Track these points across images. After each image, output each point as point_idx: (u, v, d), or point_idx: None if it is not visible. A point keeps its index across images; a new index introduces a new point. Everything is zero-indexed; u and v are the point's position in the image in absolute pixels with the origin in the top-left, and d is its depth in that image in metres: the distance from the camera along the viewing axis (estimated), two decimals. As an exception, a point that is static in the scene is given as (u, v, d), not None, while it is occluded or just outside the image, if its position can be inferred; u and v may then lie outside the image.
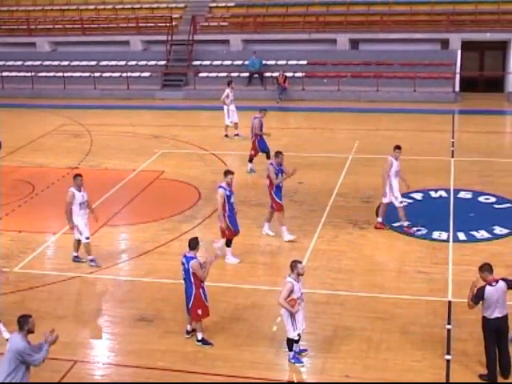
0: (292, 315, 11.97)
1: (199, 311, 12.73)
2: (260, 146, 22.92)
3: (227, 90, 26.73)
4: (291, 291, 11.91)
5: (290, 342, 12.24)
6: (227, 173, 16.09)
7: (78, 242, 16.33)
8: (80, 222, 16.01)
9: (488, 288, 11.28)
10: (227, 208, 15.94)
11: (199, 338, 12.91)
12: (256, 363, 12.33)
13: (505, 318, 11.42)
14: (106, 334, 13.74)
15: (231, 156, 24.82)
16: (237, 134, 26.83)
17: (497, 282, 11.35)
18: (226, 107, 26.72)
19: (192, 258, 12.60)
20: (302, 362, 12.28)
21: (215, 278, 15.55)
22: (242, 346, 12.84)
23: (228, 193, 15.92)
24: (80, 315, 14.27)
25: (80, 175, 16.13)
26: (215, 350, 12.75)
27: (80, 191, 15.99)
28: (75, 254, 16.49)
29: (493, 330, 11.39)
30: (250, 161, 22.93)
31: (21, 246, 17.72)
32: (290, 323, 12.04)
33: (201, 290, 12.75)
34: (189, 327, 13.21)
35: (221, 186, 15.99)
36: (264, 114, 23.32)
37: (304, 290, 14.68)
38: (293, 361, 12.28)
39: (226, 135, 26.94)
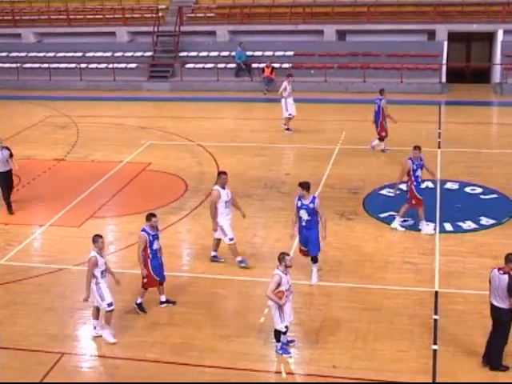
0: (280, 307, 11.97)
1: (145, 280, 13.62)
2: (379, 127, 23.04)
3: (285, 83, 25.80)
4: (279, 284, 11.90)
5: (278, 334, 12.26)
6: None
7: (218, 241, 15.74)
8: (225, 223, 15.34)
9: None
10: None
11: (137, 301, 13.84)
12: (244, 354, 12.35)
13: None
14: (94, 325, 13.69)
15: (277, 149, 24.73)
16: (288, 129, 26.11)
17: None
18: (283, 100, 25.86)
19: (143, 230, 13.51)
20: (289, 353, 12.30)
21: (202, 270, 15.59)
22: (230, 338, 12.85)
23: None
24: (67, 307, 14.21)
25: (225, 173, 15.42)
26: (203, 342, 12.75)
27: (224, 189, 15.31)
28: (214, 254, 15.86)
29: None
30: (381, 140, 23.15)
31: (7, 238, 17.64)
32: (277, 315, 12.04)
33: (149, 261, 13.52)
34: (163, 298, 13.91)
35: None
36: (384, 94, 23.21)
37: (291, 281, 14.73)
38: (280, 352, 12.30)
39: (288, 129, 26.11)
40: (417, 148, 17.24)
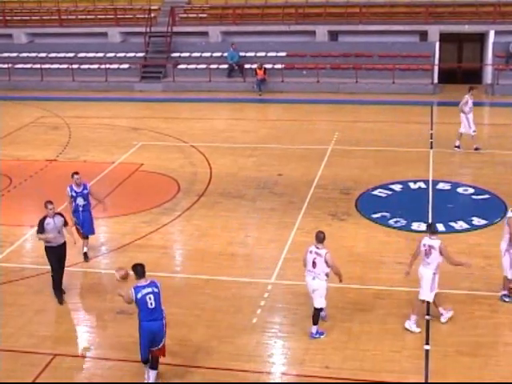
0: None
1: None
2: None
3: (466, 97, 23.23)
4: None
5: (318, 313, 12.65)
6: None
7: None
8: None
9: None
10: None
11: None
12: (237, 355, 12.34)
13: None
14: (86, 327, 13.70)
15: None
16: (457, 146, 23.32)
17: None
18: (463, 116, 23.19)
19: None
20: (323, 333, 12.75)
21: (195, 271, 15.58)
22: (223, 338, 12.84)
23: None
24: (59, 308, 14.16)
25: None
26: (196, 342, 12.74)
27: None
28: None
29: None
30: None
31: (-2, 239, 17.59)
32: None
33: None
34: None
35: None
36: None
37: (284, 282, 14.78)
38: (317, 335, 12.69)
39: (457, 146, 23.30)
40: None
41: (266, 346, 12.57)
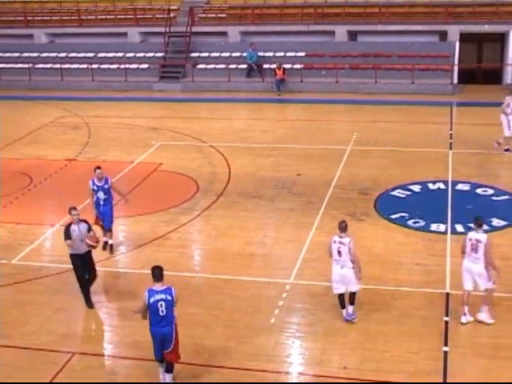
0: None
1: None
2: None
3: (508, 98, 22.90)
4: None
5: (355, 296, 13.15)
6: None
7: None
8: None
9: None
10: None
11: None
12: (255, 355, 12.35)
13: None
14: (104, 326, 13.79)
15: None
16: (508, 149, 23.05)
17: None
18: (504, 117, 22.85)
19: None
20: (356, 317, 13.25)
21: (213, 270, 15.61)
22: (241, 338, 12.86)
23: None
24: (78, 307, 14.24)
25: None
26: (214, 342, 12.76)
27: None
28: None
29: None
30: None
31: (19, 237, 17.72)
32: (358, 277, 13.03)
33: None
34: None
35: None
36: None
37: (302, 282, 14.79)
38: (353, 316, 13.12)
39: (508, 149, 23.01)
40: None
41: (284, 346, 12.58)
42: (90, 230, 13.97)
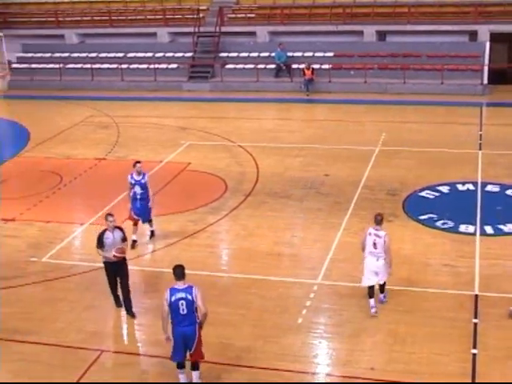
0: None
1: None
2: None
3: None
4: None
5: (384, 285, 13.63)
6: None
7: None
8: None
9: None
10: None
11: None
12: (282, 355, 12.37)
13: None
14: (132, 324, 13.87)
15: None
16: None
17: None
18: None
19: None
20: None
21: (241, 270, 15.65)
22: (269, 338, 12.89)
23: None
24: (106, 306, 14.36)
25: None
26: (241, 342, 12.80)
27: None
28: None
29: None
30: None
31: (49, 236, 17.93)
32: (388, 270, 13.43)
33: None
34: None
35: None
36: None
37: (330, 283, 14.81)
38: (385, 299, 13.78)
39: None
40: None
41: (310, 347, 12.59)
42: (124, 239, 13.69)
